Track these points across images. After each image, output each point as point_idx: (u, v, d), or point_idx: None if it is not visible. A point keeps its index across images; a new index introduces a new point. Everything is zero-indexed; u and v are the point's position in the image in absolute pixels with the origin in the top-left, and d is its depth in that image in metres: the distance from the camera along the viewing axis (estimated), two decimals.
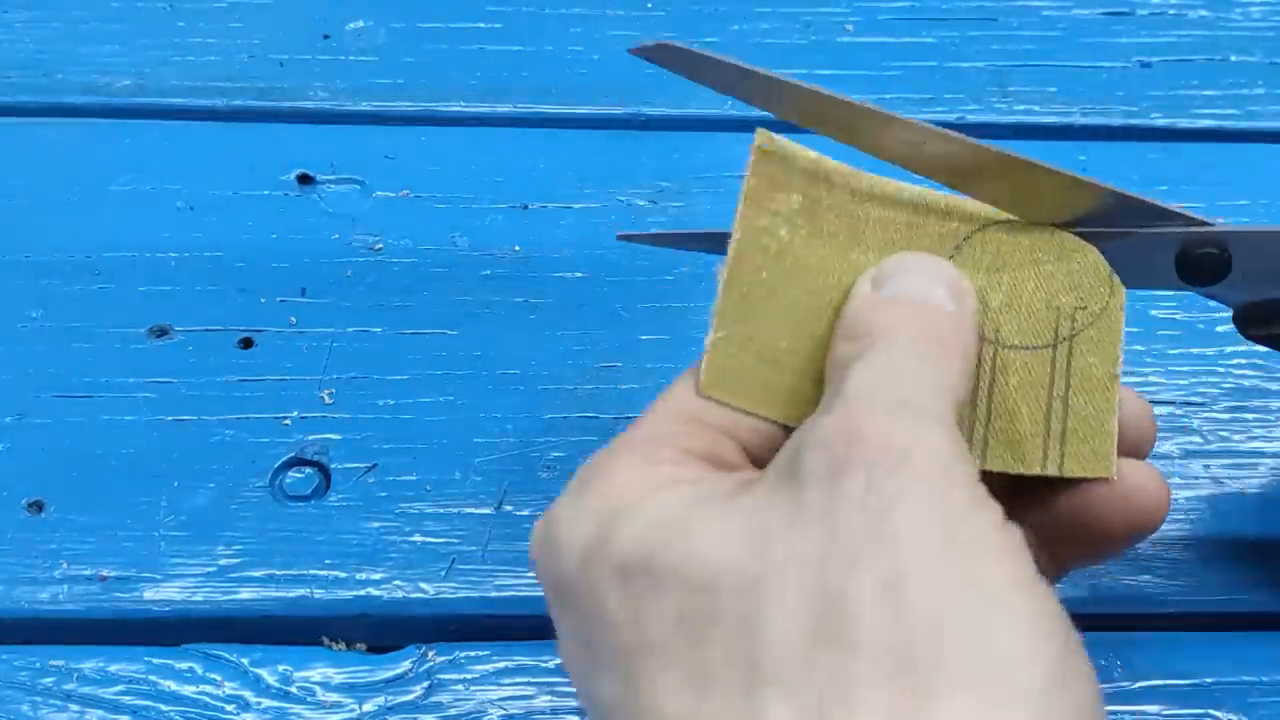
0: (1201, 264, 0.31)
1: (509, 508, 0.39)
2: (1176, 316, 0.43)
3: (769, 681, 0.23)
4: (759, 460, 0.29)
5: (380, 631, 0.37)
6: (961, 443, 0.26)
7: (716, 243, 0.31)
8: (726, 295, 0.29)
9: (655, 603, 0.25)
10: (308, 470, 0.39)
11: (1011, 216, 0.30)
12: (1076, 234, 0.30)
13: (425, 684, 0.36)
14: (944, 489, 0.24)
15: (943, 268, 0.30)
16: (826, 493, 0.24)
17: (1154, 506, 0.30)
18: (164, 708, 0.35)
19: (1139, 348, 0.43)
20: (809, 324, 0.29)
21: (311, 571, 0.37)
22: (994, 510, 0.25)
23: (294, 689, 0.35)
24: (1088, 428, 0.30)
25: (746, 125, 0.33)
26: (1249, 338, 0.34)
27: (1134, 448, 0.31)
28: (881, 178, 0.30)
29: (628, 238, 0.37)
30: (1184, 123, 0.49)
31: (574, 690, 0.35)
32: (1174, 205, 0.31)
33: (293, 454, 0.39)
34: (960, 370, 0.28)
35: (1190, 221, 0.31)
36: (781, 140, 0.29)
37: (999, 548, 0.24)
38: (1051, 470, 0.29)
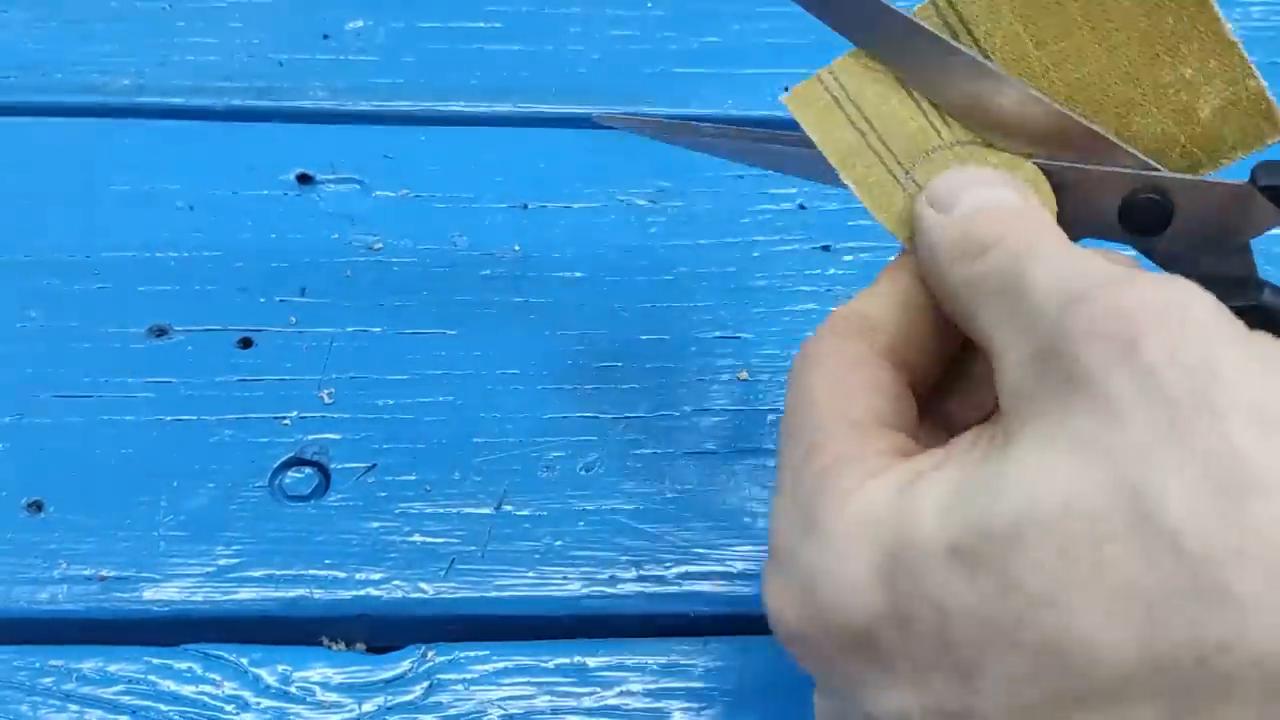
0: (1143, 211, 0.30)
1: (509, 508, 0.39)
2: None
3: (1210, 559, 0.21)
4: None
5: (380, 631, 0.37)
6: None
7: (699, 137, 0.33)
8: (861, 194, 0.31)
9: (1020, 558, 0.23)
10: (307, 470, 0.39)
11: (976, 139, 0.30)
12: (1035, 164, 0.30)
13: (425, 684, 0.36)
14: (1231, 327, 0.24)
15: (991, 173, 0.29)
16: (1131, 371, 0.23)
17: None
18: (163, 708, 0.35)
19: None
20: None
21: (311, 571, 0.37)
22: (1263, 331, 0.24)
23: (293, 689, 0.35)
24: None
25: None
26: None
27: None
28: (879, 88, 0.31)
29: (608, 119, 0.36)
30: None
31: (572, 691, 0.35)
32: (1127, 146, 0.30)
33: (292, 454, 0.39)
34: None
35: (1140, 163, 0.30)
36: (799, 90, 0.31)
37: None
38: None
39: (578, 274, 0.44)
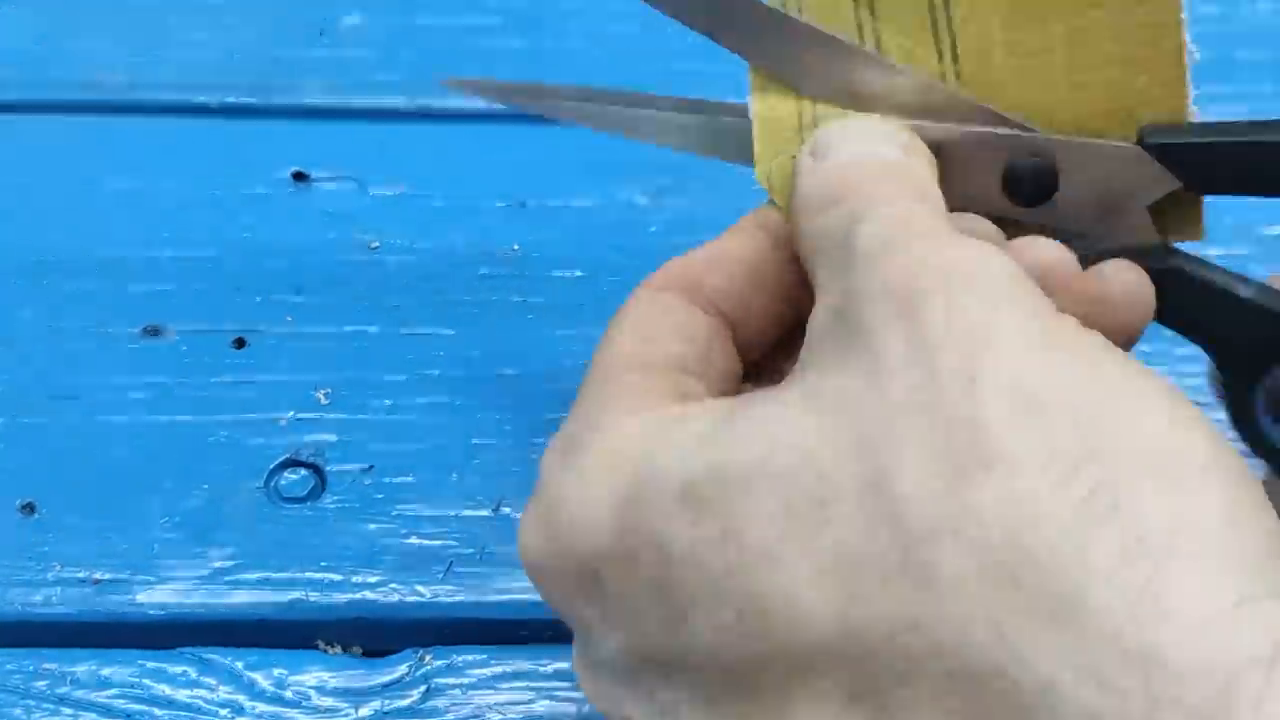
0: (1027, 177, 0.29)
1: (507, 510, 0.38)
2: None
3: (929, 534, 0.21)
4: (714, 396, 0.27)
5: (376, 635, 0.36)
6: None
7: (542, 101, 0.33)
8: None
9: (746, 507, 0.22)
10: (303, 472, 0.39)
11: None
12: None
13: (422, 688, 0.35)
14: (1025, 295, 0.23)
15: (877, 125, 0.29)
16: (906, 332, 0.22)
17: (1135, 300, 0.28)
18: (158, 712, 0.35)
19: (1145, 348, 0.42)
20: None
21: (306, 574, 0.37)
22: (1072, 317, 0.24)
23: (288, 693, 0.35)
24: None
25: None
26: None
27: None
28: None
29: (455, 83, 0.35)
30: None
31: (570, 696, 0.35)
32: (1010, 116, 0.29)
33: (288, 455, 0.39)
34: (941, 203, 0.27)
35: (1021, 128, 0.29)
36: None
37: (1101, 343, 0.23)
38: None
39: (577, 273, 0.44)
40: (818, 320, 0.25)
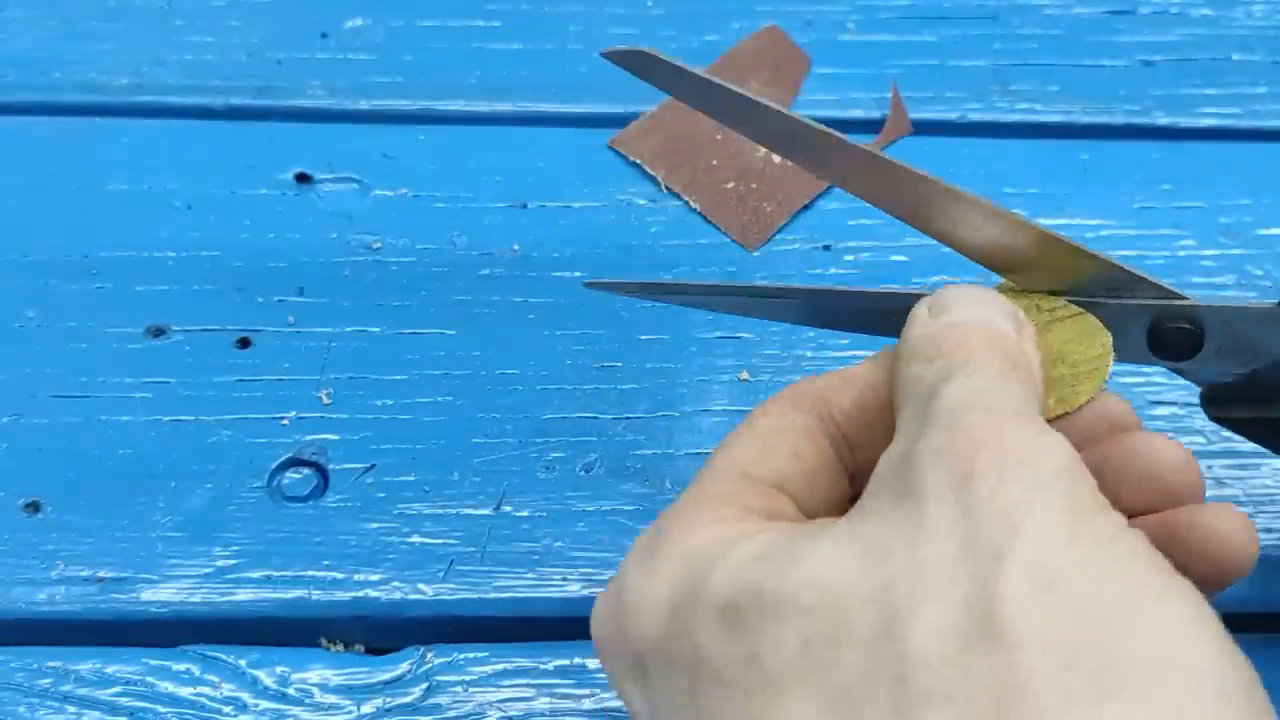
0: (1173, 339, 0.31)
1: (508, 508, 0.38)
2: None
3: (925, 695, 0.22)
4: (810, 516, 0.29)
5: (378, 633, 0.37)
6: (1075, 451, 0.26)
7: (684, 295, 0.33)
8: None
9: (771, 634, 0.24)
10: (306, 471, 0.39)
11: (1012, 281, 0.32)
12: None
13: (424, 685, 0.36)
14: (1073, 489, 0.24)
15: (997, 297, 0.30)
16: (954, 501, 0.24)
17: (1233, 549, 0.28)
18: (161, 709, 0.35)
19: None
20: None
21: (309, 572, 0.37)
22: (1119, 514, 0.25)
23: (292, 690, 0.35)
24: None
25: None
26: (1211, 419, 0.33)
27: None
28: None
29: (596, 285, 0.36)
30: (1186, 122, 0.49)
31: (571, 693, 0.35)
32: (1152, 278, 0.31)
33: (290, 454, 0.39)
34: (1038, 386, 0.28)
35: (1164, 293, 0.31)
36: None
37: (1136, 544, 0.24)
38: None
39: (577, 274, 0.44)
40: (885, 464, 0.26)
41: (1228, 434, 0.38)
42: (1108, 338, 0.30)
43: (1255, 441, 0.34)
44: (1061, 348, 0.31)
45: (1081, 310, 0.31)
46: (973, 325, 0.29)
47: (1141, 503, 0.29)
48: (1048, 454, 0.25)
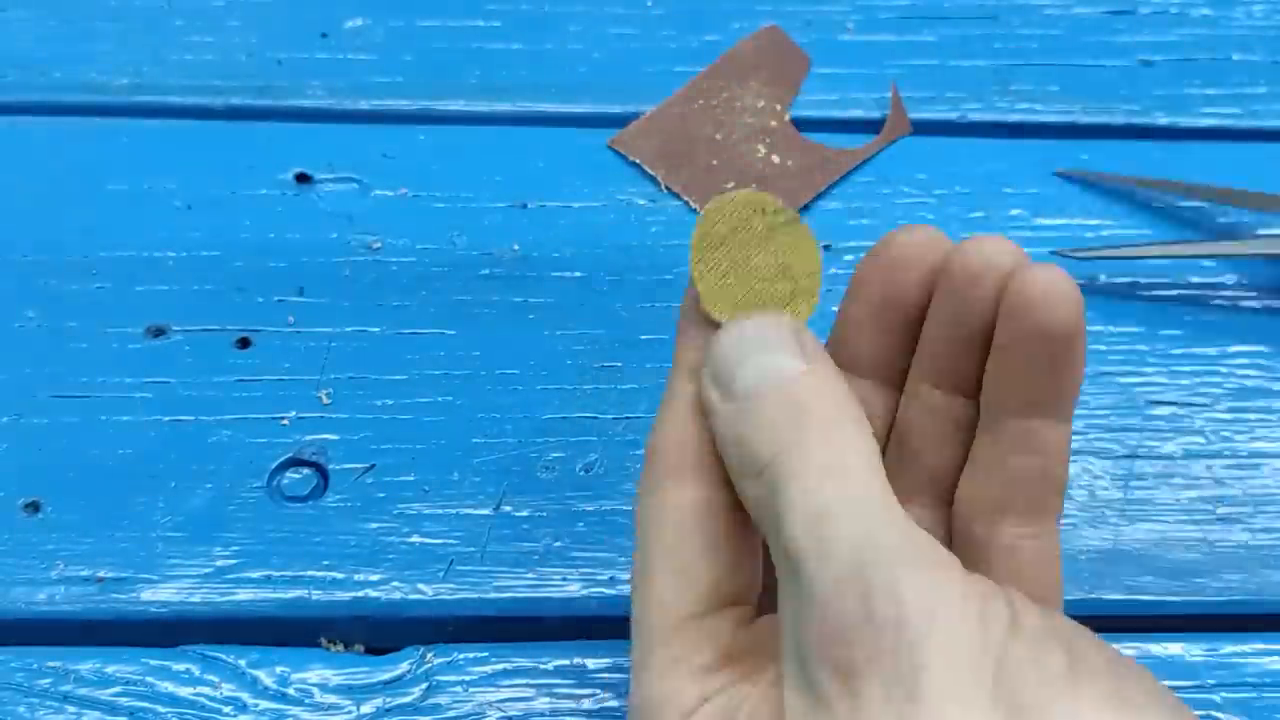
0: None
1: (508, 508, 0.38)
2: (1180, 317, 0.43)
3: None
4: (749, 583, 0.29)
5: (378, 633, 0.37)
6: (937, 547, 0.26)
7: None
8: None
9: None
10: (305, 471, 0.39)
11: None
12: None
13: (424, 685, 0.36)
14: (974, 651, 0.24)
15: (772, 329, 0.28)
16: (850, 699, 0.24)
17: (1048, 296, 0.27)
18: (161, 709, 0.35)
19: (1142, 348, 0.43)
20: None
21: (309, 572, 0.37)
22: (1002, 603, 0.25)
23: (291, 690, 0.35)
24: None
25: None
26: None
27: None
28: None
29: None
30: (1186, 122, 0.49)
31: (571, 693, 0.35)
32: None
33: (290, 454, 0.39)
34: (861, 427, 0.27)
35: None
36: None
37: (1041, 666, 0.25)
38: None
39: (577, 274, 0.44)
40: (785, 646, 0.26)
41: (1228, 434, 0.38)
42: (820, 251, 0.31)
43: None
44: (785, 259, 0.30)
45: (797, 216, 0.31)
46: (770, 398, 0.27)
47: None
48: (929, 616, 0.24)
